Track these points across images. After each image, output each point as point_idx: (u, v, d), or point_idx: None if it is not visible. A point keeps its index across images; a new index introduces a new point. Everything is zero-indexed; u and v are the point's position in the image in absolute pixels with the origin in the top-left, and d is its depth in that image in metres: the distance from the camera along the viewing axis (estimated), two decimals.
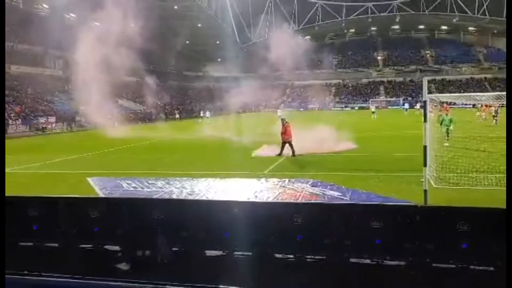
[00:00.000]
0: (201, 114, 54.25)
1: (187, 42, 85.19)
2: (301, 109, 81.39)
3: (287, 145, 19.14)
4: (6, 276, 2.30)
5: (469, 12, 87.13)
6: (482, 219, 2.34)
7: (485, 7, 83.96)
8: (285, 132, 19.16)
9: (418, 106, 53.24)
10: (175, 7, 76.85)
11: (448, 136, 20.69)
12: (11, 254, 2.73)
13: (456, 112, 31.70)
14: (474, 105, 41.10)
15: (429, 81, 13.04)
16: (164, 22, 72.28)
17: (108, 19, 35.16)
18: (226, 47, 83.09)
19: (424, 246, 2.36)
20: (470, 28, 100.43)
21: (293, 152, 18.88)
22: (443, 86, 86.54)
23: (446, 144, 19.12)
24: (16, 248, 2.85)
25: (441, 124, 21.25)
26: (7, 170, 16.27)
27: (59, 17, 49.89)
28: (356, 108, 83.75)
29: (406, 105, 65.82)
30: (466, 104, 41.77)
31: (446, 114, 22.03)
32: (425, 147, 10.41)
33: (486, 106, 34.96)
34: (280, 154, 19.09)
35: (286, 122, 19.47)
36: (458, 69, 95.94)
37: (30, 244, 2.87)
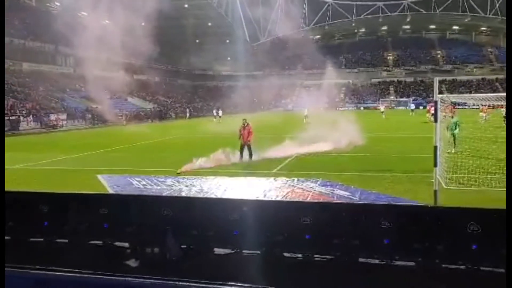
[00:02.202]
0: (214, 113, 54.10)
1: (197, 41, 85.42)
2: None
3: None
4: (16, 270, 2.33)
5: (481, 12, 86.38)
6: (493, 220, 2.33)
7: (497, 7, 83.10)
8: (247, 133, 17.38)
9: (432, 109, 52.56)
10: (186, 5, 77.08)
11: (454, 142, 18.37)
12: (21, 249, 2.76)
13: (465, 112, 31.39)
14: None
15: (439, 82, 12.83)
16: (174, 21, 72.55)
17: (118, 18, 35.42)
18: (236, 46, 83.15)
19: (433, 246, 2.35)
20: (481, 29, 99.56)
21: (251, 155, 17.42)
22: (453, 87, 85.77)
23: (452, 151, 17.62)
24: (27, 244, 2.87)
25: (447, 128, 18.06)
26: (17, 166, 16.48)
27: (71, 15, 50.23)
28: (362, 108, 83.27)
29: (412, 106, 65.45)
30: (477, 105, 41.18)
31: (452, 117, 19.04)
32: (435, 147, 10.33)
33: (488, 106, 34.24)
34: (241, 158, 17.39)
35: (247, 122, 17.59)
36: (469, 70, 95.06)
37: (40, 240, 2.89)
